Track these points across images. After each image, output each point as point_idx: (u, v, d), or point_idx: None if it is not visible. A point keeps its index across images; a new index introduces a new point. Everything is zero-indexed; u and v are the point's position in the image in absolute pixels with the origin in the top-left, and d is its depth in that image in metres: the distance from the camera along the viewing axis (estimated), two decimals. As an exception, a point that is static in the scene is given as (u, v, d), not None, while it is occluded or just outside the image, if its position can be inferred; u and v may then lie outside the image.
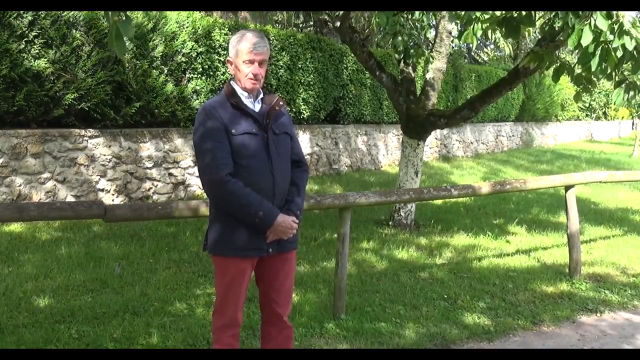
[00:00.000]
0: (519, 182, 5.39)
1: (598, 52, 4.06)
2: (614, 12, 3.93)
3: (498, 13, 4.58)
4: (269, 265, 2.85)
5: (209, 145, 2.64)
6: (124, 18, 2.43)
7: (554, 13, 4.32)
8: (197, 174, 8.37)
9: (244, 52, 2.70)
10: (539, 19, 4.57)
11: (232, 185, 2.61)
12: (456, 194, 4.93)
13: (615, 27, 3.92)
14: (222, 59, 8.41)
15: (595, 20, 3.89)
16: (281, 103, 2.84)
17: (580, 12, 3.99)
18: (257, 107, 2.78)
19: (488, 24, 4.76)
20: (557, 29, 4.24)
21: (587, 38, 3.93)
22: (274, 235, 2.72)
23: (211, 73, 8.33)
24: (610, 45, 3.99)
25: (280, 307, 2.90)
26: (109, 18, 2.41)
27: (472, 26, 4.81)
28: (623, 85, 4.82)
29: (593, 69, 4.20)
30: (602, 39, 3.94)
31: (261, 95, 2.82)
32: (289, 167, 2.83)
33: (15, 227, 5.96)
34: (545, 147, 20.66)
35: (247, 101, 2.76)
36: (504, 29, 4.63)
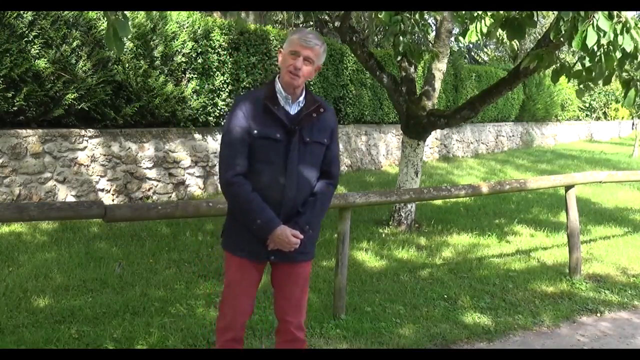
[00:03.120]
0: (519, 182, 5.39)
1: (599, 53, 4.05)
2: (615, 12, 3.92)
3: (501, 13, 4.58)
4: (277, 272, 2.82)
5: (227, 143, 2.60)
6: (121, 18, 2.44)
7: (558, 15, 4.30)
8: (196, 174, 8.43)
9: (294, 41, 2.60)
10: (551, 24, 4.57)
11: (237, 188, 2.57)
12: (456, 193, 4.93)
13: (618, 27, 3.91)
14: (222, 59, 8.40)
15: (597, 21, 3.88)
16: (321, 110, 2.69)
17: (583, 13, 3.98)
18: (293, 110, 2.65)
19: (491, 24, 4.75)
20: (563, 31, 4.22)
21: (591, 39, 3.90)
22: (274, 245, 2.65)
23: (211, 73, 8.33)
24: (611, 47, 3.98)
25: (288, 315, 2.81)
26: (108, 17, 2.43)
27: (474, 24, 4.80)
28: (631, 85, 4.80)
29: (595, 72, 4.20)
30: (604, 40, 3.94)
31: (302, 97, 2.68)
32: (311, 178, 2.70)
33: (15, 227, 5.96)
34: (545, 147, 20.66)
35: (283, 102, 2.64)
36: (507, 30, 4.63)
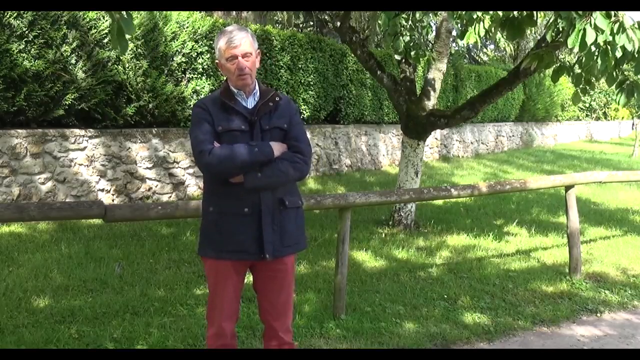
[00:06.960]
0: (519, 182, 5.39)
1: (597, 52, 4.05)
2: (612, 12, 3.92)
3: (500, 13, 4.57)
4: (261, 273, 2.75)
5: (194, 131, 2.64)
6: (125, 15, 2.45)
7: (556, 14, 4.30)
8: (197, 174, 8.43)
9: (223, 50, 2.64)
10: (548, 23, 4.57)
11: (218, 150, 2.56)
12: (456, 194, 4.93)
13: (615, 27, 3.91)
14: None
15: (595, 20, 3.88)
16: (277, 98, 2.73)
17: (581, 12, 3.98)
18: (250, 104, 2.71)
19: (490, 24, 4.75)
20: (561, 30, 4.22)
21: (590, 37, 3.90)
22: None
23: (211, 73, 8.33)
24: (609, 46, 3.99)
25: (274, 320, 2.76)
26: (112, 16, 2.43)
27: (474, 26, 4.79)
28: (624, 86, 4.81)
29: (596, 70, 4.19)
30: (603, 38, 3.94)
31: (256, 90, 2.74)
32: None
33: (15, 227, 5.96)
34: (546, 147, 20.66)
35: (239, 98, 2.71)
36: (507, 30, 4.63)
